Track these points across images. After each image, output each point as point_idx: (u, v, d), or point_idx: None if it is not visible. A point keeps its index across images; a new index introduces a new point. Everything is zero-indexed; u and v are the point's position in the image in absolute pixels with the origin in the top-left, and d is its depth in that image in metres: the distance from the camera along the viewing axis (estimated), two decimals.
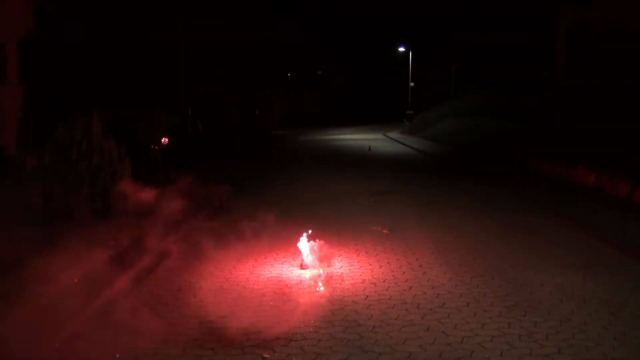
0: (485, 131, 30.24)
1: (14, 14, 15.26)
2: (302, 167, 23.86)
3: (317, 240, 8.62)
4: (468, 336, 5.95)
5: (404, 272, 8.20)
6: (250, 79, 29.17)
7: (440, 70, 48.95)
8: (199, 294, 7.36)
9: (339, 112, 63.75)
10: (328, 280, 7.84)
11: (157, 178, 14.20)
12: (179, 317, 6.58)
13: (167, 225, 10.69)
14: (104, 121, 11.43)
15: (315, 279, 7.89)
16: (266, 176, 20.23)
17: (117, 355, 5.54)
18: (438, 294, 7.26)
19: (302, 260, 8.37)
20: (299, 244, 8.48)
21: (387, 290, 7.43)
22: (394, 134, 44.17)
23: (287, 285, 7.68)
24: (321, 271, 8.17)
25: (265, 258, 8.99)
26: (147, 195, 13.12)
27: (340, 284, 7.71)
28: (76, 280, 7.49)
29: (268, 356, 5.54)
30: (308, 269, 8.26)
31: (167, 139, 13.99)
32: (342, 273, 8.16)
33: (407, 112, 46.79)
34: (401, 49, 50.19)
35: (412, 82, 48.09)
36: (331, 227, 9.29)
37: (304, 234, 8.60)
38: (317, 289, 7.54)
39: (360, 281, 7.80)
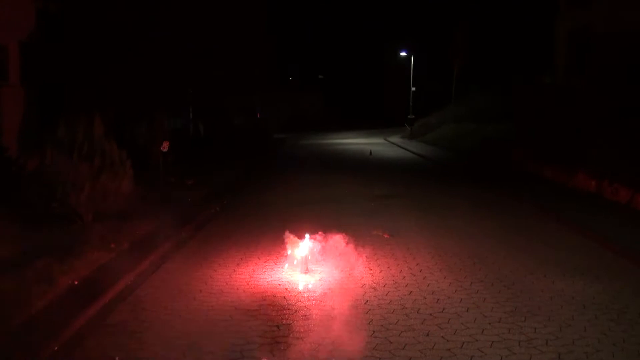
0: (485, 135, 30.26)
1: (16, 15, 15.25)
2: (303, 170, 23.90)
3: (317, 244, 8.62)
4: (468, 341, 5.95)
5: (404, 277, 8.20)
6: (252, 82, 29.21)
7: (441, 75, 49.05)
8: (199, 297, 7.36)
9: (340, 116, 63.83)
10: (328, 284, 7.84)
11: (158, 181, 14.22)
12: (178, 320, 6.58)
13: (168, 227, 10.72)
14: (105, 123, 11.45)
15: (315, 283, 7.89)
16: (267, 179, 20.28)
17: (117, 358, 5.54)
18: (438, 299, 7.26)
19: (302, 264, 8.36)
20: (299, 248, 8.48)
21: (387, 295, 7.43)
22: (395, 139, 44.19)
23: (287, 289, 7.67)
24: (321, 275, 8.17)
25: (265, 262, 8.99)
26: (148, 197, 13.19)
27: (340, 288, 7.71)
28: (76, 283, 7.50)
29: None
30: (308, 273, 8.26)
31: (168, 143, 13.90)
32: (342, 277, 8.15)
33: (409, 116, 46.88)
34: (403, 54, 50.32)
35: (413, 86, 48.19)
36: (332, 231, 9.29)
37: (305, 238, 8.61)
38: (317, 293, 7.53)
39: (360, 285, 7.80)
